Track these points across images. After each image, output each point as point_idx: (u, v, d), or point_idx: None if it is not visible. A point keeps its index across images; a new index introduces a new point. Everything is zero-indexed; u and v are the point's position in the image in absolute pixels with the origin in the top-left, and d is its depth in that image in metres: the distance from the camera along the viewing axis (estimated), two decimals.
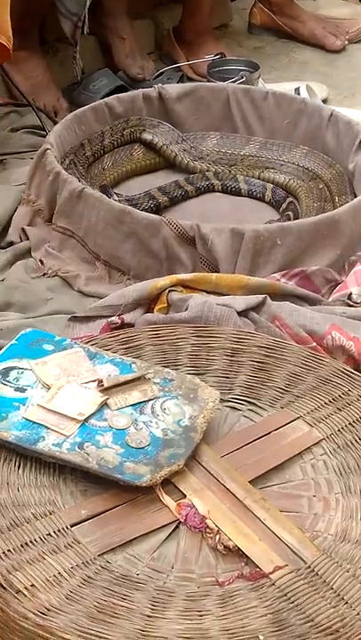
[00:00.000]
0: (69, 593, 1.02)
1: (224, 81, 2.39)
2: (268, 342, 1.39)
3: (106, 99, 2.17)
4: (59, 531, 1.09)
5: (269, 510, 1.12)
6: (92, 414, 1.21)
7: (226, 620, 1.00)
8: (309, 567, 1.06)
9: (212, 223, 1.76)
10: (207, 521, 1.11)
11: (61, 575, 1.04)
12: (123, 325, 1.56)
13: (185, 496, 1.14)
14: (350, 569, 1.06)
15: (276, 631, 0.99)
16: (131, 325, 1.56)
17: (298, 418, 1.27)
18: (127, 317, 1.58)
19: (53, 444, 1.16)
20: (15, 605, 0.99)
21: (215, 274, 1.68)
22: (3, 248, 1.91)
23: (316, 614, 1.01)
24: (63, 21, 2.31)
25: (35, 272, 1.83)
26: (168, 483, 1.15)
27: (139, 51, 2.67)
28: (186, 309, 1.55)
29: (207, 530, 1.10)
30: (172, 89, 2.21)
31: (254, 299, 1.58)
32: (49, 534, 1.08)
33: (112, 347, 1.36)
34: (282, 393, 1.31)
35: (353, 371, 1.35)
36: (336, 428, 1.25)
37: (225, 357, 1.37)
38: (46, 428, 1.18)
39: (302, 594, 1.03)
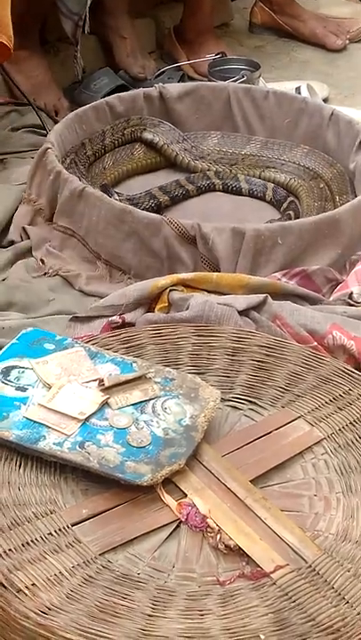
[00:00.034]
0: (70, 592, 1.02)
1: (225, 80, 2.39)
2: (269, 342, 1.39)
3: (107, 98, 2.17)
4: (60, 530, 1.09)
5: (270, 510, 1.12)
6: (93, 413, 1.21)
7: (227, 619, 1.00)
8: (310, 566, 1.06)
9: (213, 222, 1.76)
10: (208, 520, 1.11)
11: (62, 574, 1.04)
12: (124, 325, 1.56)
13: (186, 495, 1.14)
14: (351, 568, 1.06)
15: (277, 630, 0.99)
16: (132, 325, 1.56)
17: (299, 417, 1.27)
18: (128, 317, 1.58)
19: (54, 444, 1.16)
20: (16, 604, 0.99)
21: (216, 273, 1.68)
22: (4, 247, 1.91)
23: (317, 613, 1.01)
24: (64, 21, 2.31)
25: (36, 271, 1.83)
26: (169, 482, 1.15)
27: (140, 50, 2.67)
28: (187, 309, 1.55)
29: (208, 529, 1.10)
30: (173, 88, 2.21)
31: (255, 298, 1.58)
32: (50, 533, 1.08)
33: (113, 346, 1.36)
34: (283, 392, 1.31)
35: (354, 370, 1.35)
36: (337, 428, 1.25)
37: (226, 357, 1.37)
38: (47, 427, 1.18)
39: (303, 593, 1.03)
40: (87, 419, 1.20)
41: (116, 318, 1.57)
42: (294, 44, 3.02)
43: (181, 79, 2.62)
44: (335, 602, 1.02)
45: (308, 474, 1.20)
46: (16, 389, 1.24)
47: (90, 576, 1.04)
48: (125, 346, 1.37)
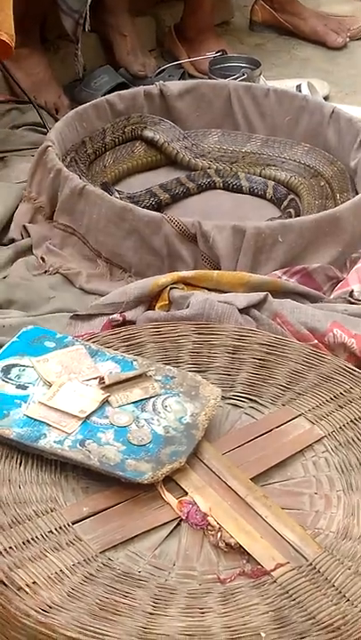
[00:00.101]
0: (71, 590, 1.02)
1: (225, 78, 2.39)
2: (270, 340, 1.39)
3: (107, 96, 2.17)
4: (60, 528, 1.09)
5: (271, 508, 1.12)
6: (94, 412, 1.21)
7: (227, 617, 1.00)
8: (311, 564, 1.06)
9: (214, 220, 1.76)
10: (209, 518, 1.11)
11: (63, 572, 1.04)
12: (124, 323, 1.56)
13: (186, 493, 1.14)
14: (352, 566, 1.06)
15: (278, 628, 0.99)
16: (132, 323, 1.56)
17: (299, 415, 1.27)
18: (128, 315, 1.58)
19: (55, 442, 1.16)
20: (17, 603, 0.99)
21: (216, 271, 1.68)
22: (4, 245, 1.91)
23: (317, 612, 1.01)
24: (64, 19, 2.31)
25: (36, 269, 1.83)
26: (170, 480, 1.15)
27: (140, 48, 2.67)
28: (187, 307, 1.55)
29: (209, 527, 1.10)
30: (174, 86, 2.21)
31: (256, 296, 1.58)
32: (50, 531, 1.08)
33: (113, 344, 1.36)
34: (283, 390, 1.31)
35: (354, 368, 1.35)
36: (338, 426, 1.25)
37: (226, 355, 1.37)
38: (48, 425, 1.18)
39: (304, 591, 1.03)
40: (88, 417, 1.20)
41: (116, 316, 1.57)
42: (295, 42, 3.02)
43: (182, 77, 2.62)
44: (336, 600, 1.02)
45: (308, 472, 1.20)
46: (17, 387, 1.24)
47: (90, 574, 1.04)
48: (126, 344, 1.37)
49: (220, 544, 1.09)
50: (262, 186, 2.07)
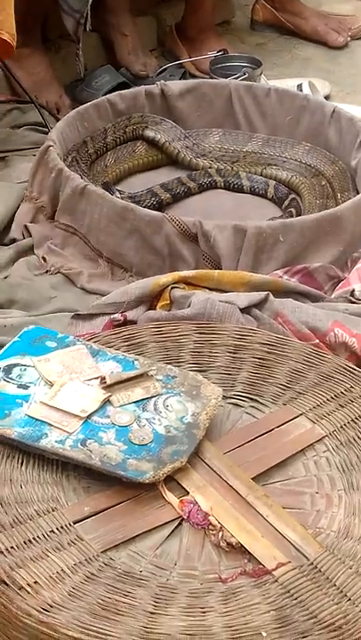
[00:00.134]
0: (72, 590, 1.02)
1: (226, 77, 2.39)
2: (271, 339, 1.39)
3: (108, 95, 2.17)
4: (62, 527, 1.09)
5: (272, 507, 1.12)
6: (95, 411, 1.21)
7: (229, 616, 1.01)
8: (312, 564, 1.06)
9: (215, 220, 1.76)
10: (210, 518, 1.11)
11: (64, 572, 1.04)
12: (125, 322, 1.56)
13: (188, 493, 1.14)
14: (353, 566, 1.06)
15: (280, 628, 0.99)
16: (133, 322, 1.56)
17: (300, 414, 1.27)
18: (130, 314, 1.58)
19: (56, 441, 1.16)
20: (18, 602, 1.00)
21: (218, 271, 1.68)
22: (5, 245, 1.91)
23: (319, 611, 1.01)
24: (66, 18, 2.31)
25: (37, 269, 1.83)
26: (171, 479, 1.15)
27: (141, 47, 2.67)
28: (188, 306, 1.55)
29: (210, 527, 1.10)
30: (175, 86, 2.21)
31: (257, 295, 1.58)
32: (52, 531, 1.08)
33: (115, 344, 1.36)
34: (284, 390, 1.31)
35: (355, 367, 1.35)
36: (339, 425, 1.25)
37: (227, 354, 1.37)
38: (49, 424, 1.18)
39: (305, 590, 1.03)
40: (89, 416, 1.20)
41: (117, 316, 1.57)
42: (296, 42, 3.02)
43: (183, 77, 2.62)
44: (337, 599, 1.02)
45: (309, 471, 1.20)
46: (18, 387, 1.24)
47: (92, 574, 1.04)
48: (127, 343, 1.37)
49: (221, 543, 1.09)
50: (263, 185, 2.07)
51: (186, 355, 1.36)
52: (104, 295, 1.67)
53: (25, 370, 1.27)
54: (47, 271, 1.83)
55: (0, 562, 1.03)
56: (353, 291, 1.69)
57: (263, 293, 1.59)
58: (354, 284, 1.71)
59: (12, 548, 1.05)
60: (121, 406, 1.22)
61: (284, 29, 3.04)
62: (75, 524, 1.10)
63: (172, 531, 1.11)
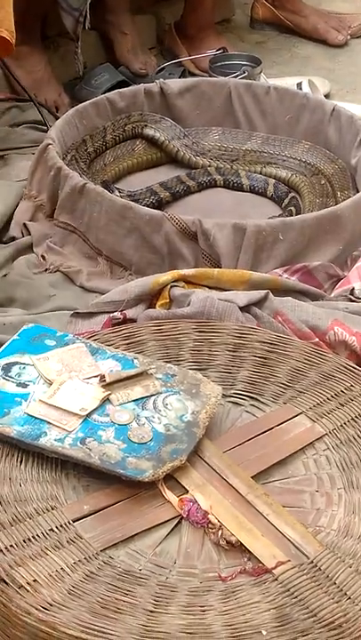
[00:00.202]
0: (72, 588, 1.02)
1: (226, 76, 2.39)
2: (271, 338, 1.39)
3: (107, 94, 2.17)
4: (61, 526, 1.09)
5: (272, 506, 1.12)
6: (95, 410, 1.20)
7: (228, 615, 1.00)
8: (312, 562, 1.06)
9: (214, 218, 1.75)
10: (210, 516, 1.11)
11: (64, 570, 1.04)
12: (125, 321, 1.56)
13: (187, 491, 1.14)
14: (353, 564, 1.06)
15: (279, 626, 0.99)
16: (133, 321, 1.56)
17: (300, 413, 1.27)
18: (129, 313, 1.58)
19: (56, 440, 1.16)
20: (18, 601, 0.99)
21: (217, 269, 1.68)
22: (4, 243, 1.91)
23: (318, 609, 1.01)
24: (65, 16, 2.30)
25: (36, 267, 1.83)
26: (170, 478, 1.15)
27: (140, 46, 2.67)
28: (188, 305, 1.55)
29: (210, 525, 1.10)
30: (174, 84, 2.21)
31: (256, 294, 1.58)
32: (51, 530, 1.08)
33: (114, 342, 1.36)
34: (284, 388, 1.31)
35: (355, 366, 1.35)
36: (339, 424, 1.25)
37: (227, 353, 1.37)
38: (48, 423, 1.18)
39: (305, 589, 1.03)
40: (88, 415, 1.20)
41: (117, 314, 1.57)
42: (296, 40, 3.02)
43: (182, 75, 2.62)
44: (337, 598, 1.02)
45: (309, 470, 1.20)
46: (17, 385, 1.24)
47: (91, 572, 1.04)
48: (126, 342, 1.37)
49: (220, 542, 1.09)
50: (263, 184, 2.07)
51: (185, 353, 1.36)
52: (103, 293, 1.67)
53: (24, 368, 1.27)
54: (46, 269, 1.82)
55: None
56: (353, 289, 1.69)
57: (263, 292, 1.59)
58: (354, 282, 1.71)
59: (11, 546, 1.05)
60: (120, 405, 1.22)
61: (284, 28, 3.04)
62: (74, 522, 1.10)
63: (172, 529, 1.11)
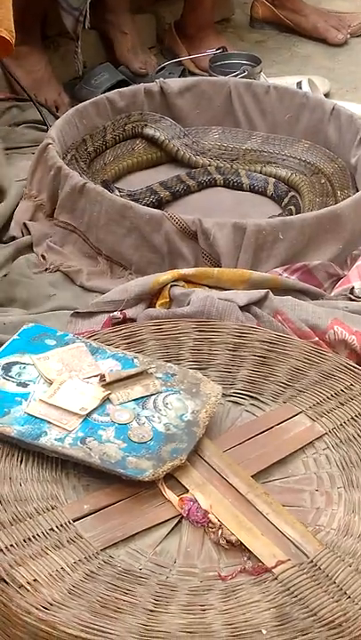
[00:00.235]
0: (72, 588, 1.02)
1: (226, 75, 2.39)
2: (271, 337, 1.39)
3: (107, 93, 2.17)
4: (61, 525, 1.09)
5: (272, 505, 1.12)
6: (95, 409, 1.21)
7: (228, 614, 1.01)
8: (312, 561, 1.06)
9: (214, 218, 1.76)
10: (210, 515, 1.11)
11: (64, 570, 1.04)
12: (125, 320, 1.56)
13: (187, 491, 1.14)
14: (353, 563, 1.06)
15: (279, 625, 0.99)
16: (133, 320, 1.56)
17: (300, 412, 1.27)
18: (129, 312, 1.58)
19: (56, 439, 1.16)
20: (18, 600, 1.00)
21: (217, 268, 1.68)
22: (4, 243, 1.91)
23: (318, 608, 1.01)
24: (64, 16, 2.31)
25: (36, 267, 1.83)
26: (170, 477, 1.15)
27: (140, 45, 2.67)
28: (188, 304, 1.55)
29: (210, 524, 1.10)
30: (174, 83, 2.21)
31: (256, 293, 1.58)
32: (51, 529, 1.08)
33: (114, 342, 1.36)
34: (284, 387, 1.31)
35: (355, 365, 1.35)
36: (338, 423, 1.25)
37: (227, 352, 1.37)
38: (49, 422, 1.18)
39: (305, 588, 1.03)
40: (88, 414, 1.20)
41: (117, 314, 1.57)
42: (295, 39, 3.02)
43: (182, 74, 2.62)
44: (337, 597, 1.02)
45: (309, 469, 1.20)
46: (17, 385, 1.24)
47: (91, 571, 1.04)
48: (127, 341, 1.37)
49: (220, 541, 1.09)
50: (263, 183, 2.07)
51: (185, 352, 1.36)
52: (103, 293, 1.67)
53: (24, 368, 1.27)
54: (46, 269, 1.83)
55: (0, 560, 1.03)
56: (353, 288, 1.69)
57: (263, 291, 1.59)
58: (354, 281, 1.71)
59: (11, 545, 1.05)
60: (120, 404, 1.22)
61: (284, 27, 3.04)
62: (74, 521, 1.10)
63: (172, 528, 1.11)
